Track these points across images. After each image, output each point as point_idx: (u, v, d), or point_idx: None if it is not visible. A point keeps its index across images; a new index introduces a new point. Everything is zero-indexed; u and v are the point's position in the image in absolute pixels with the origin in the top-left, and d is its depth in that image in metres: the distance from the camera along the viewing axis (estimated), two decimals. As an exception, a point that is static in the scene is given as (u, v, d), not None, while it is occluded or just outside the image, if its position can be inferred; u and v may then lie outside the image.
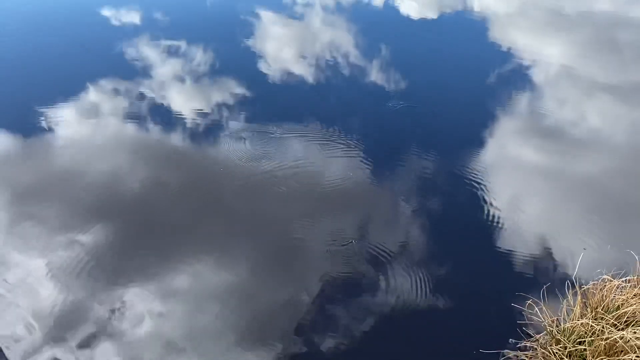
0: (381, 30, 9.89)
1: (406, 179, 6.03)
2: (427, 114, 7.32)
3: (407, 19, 10.39)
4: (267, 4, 10.77)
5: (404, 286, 4.78)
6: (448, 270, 4.95)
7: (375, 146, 6.58)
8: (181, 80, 7.87)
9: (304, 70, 8.31)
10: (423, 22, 10.31)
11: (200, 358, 4.14)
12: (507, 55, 8.95)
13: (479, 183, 5.98)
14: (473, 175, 6.10)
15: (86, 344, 4.18)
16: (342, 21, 10.25)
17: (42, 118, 6.73)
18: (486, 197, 5.77)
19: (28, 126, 6.58)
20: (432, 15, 10.56)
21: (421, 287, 4.77)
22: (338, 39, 9.45)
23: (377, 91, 7.81)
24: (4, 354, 4.04)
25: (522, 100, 7.62)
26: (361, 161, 6.27)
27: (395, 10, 10.74)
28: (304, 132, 6.73)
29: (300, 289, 4.70)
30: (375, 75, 8.21)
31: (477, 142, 6.67)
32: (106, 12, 10.10)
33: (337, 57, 8.78)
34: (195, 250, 4.99)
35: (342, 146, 6.50)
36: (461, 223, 5.52)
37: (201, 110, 7.13)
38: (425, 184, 5.97)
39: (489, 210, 5.59)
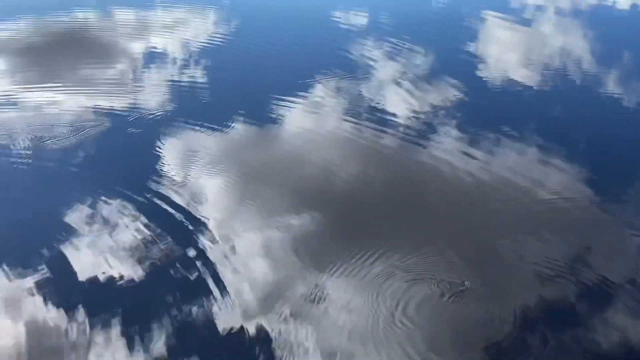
0: (620, 35, 8.86)
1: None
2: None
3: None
4: (493, 7, 10.36)
5: (631, 328, 4.19)
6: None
7: (601, 164, 5.92)
8: (399, 81, 7.95)
9: (526, 76, 7.83)
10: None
11: (386, 356, 4.14)
12: None
13: None
14: None
15: (286, 318, 4.41)
16: (575, 25, 9.42)
17: (273, 108, 7.34)
18: None
19: (260, 115, 7.19)
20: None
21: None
22: (569, 45, 8.71)
23: (609, 103, 7.02)
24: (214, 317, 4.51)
25: None
26: (584, 179, 5.68)
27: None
28: (521, 141, 6.33)
29: (497, 307, 4.41)
30: (609, 86, 7.39)
31: None
32: (335, 13, 10.67)
33: (567, 64, 8.10)
34: (396, 246, 4.99)
35: (562, 160, 5.97)
36: None
37: (415, 111, 7.12)
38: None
39: None
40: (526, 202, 5.44)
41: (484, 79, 7.87)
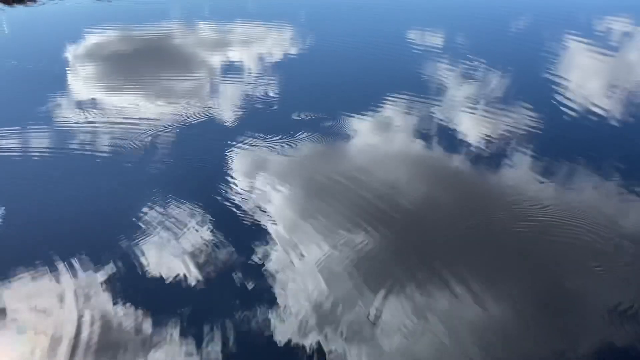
0: None
1: None
2: None
3: None
4: (575, 31, 10.01)
5: None
6: None
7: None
8: (472, 104, 7.80)
9: (608, 105, 7.48)
10: None
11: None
12: None
13: None
14: None
15: (342, 336, 4.37)
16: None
17: (342, 124, 7.35)
18: None
19: (329, 130, 7.21)
20: None
21: None
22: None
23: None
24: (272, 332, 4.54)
25: None
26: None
27: None
28: (599, 174, 6.04)
29: (566, 348, 4.20)
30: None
31: None
32: (410, 33, 10.64)
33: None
34: (459, 273, 4.86)
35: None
36: None
37: (487, 135, 6.94)
38: None
39: None
40: (600, 239, 5.16)
41: (561, 106, 7.58)
